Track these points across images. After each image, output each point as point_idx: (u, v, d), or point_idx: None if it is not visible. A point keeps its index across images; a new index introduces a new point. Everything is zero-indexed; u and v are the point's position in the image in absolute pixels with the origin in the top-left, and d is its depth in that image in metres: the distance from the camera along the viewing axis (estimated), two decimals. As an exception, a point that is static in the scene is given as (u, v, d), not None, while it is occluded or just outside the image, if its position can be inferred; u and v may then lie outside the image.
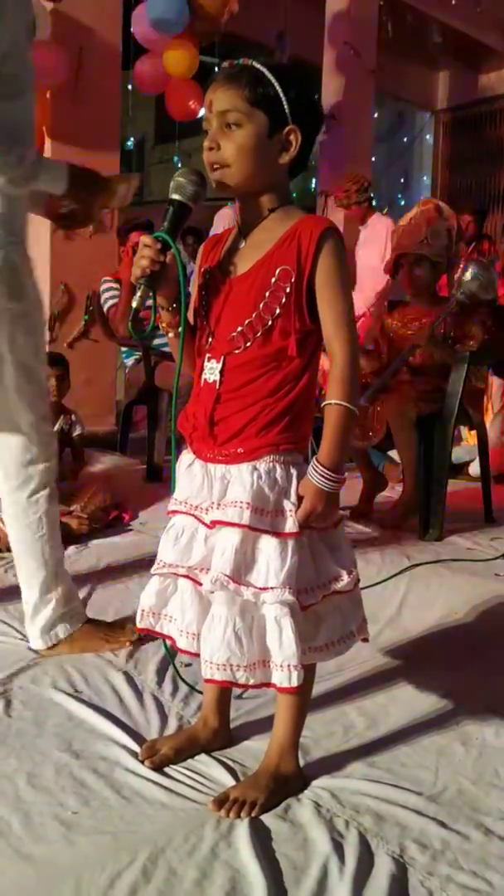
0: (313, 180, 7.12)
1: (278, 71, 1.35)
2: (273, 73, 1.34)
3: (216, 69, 1.40)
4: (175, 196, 1.39)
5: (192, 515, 1.43)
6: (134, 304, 1.39)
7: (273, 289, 1.35)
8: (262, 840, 1.29)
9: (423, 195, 8.76)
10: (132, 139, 9.58)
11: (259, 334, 1.36)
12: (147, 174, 11.56)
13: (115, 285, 4.46)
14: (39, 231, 4.85)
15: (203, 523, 1.41)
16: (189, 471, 1.44)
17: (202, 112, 1.44)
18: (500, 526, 3.41)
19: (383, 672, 1.95)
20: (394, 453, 3.63)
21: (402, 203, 8.87)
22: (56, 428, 3.73)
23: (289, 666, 1.34)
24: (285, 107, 1.34)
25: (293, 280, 1.34)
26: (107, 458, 4.28)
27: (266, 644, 1.37)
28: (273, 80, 1.33)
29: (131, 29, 4.94)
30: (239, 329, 1.38)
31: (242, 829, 1.31)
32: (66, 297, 4.84)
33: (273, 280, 1.35)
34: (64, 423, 3.78)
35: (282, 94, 1.34)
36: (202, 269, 1.47)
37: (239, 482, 1.35)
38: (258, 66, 1.35)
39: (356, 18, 6.39)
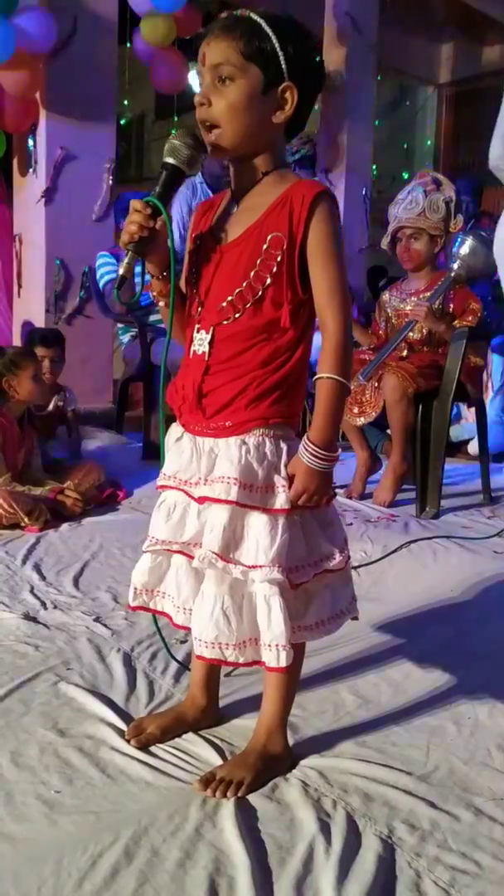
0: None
1: (277, 24, 1.27)
2: (271, 25, 1.26)
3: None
4: (169, 160, 1.32)
5: (182, 490, 1.39)
6: (121, 271, 1.33)
7: (264, 256, 1.29)
8: (247, 820, 1.27)
9: (426, 170, 8.64)
10: (130, 114, 9.46)
11: (249, 304, 1.31)
12: (147, 150, 11.40)
13: (111, 260, 4.39)
14: (31, 207, 4.81)
15: (193, 498, 1.38)
16: (178, 444, 1.40)
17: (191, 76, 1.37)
18: (498, 504, 3.39)
19: (377, 650, 1.93)
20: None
21: (405, 177, 8.77)
22: (51, 406, 3.71)
23: (277, 646, 1.31)
24: (282, 62, 1.27)
25: (285, 247, 1.28)
26: (103, 436, 4.26)
27: (256, 622, 1.34)
28: (270, 34, 1.26)
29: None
30: (229, 299, 1.32)
31: (228, 809, 1.28)
32: (63, 274, 4.79)
33: (264, 247, 1.29)
34: (58, 400, 3.74)
35: (279, 49, 1.26)
36: (193, 236, 1.41)
37: (226, 456, 1.31)
38: (256, 17, 1.27)
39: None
